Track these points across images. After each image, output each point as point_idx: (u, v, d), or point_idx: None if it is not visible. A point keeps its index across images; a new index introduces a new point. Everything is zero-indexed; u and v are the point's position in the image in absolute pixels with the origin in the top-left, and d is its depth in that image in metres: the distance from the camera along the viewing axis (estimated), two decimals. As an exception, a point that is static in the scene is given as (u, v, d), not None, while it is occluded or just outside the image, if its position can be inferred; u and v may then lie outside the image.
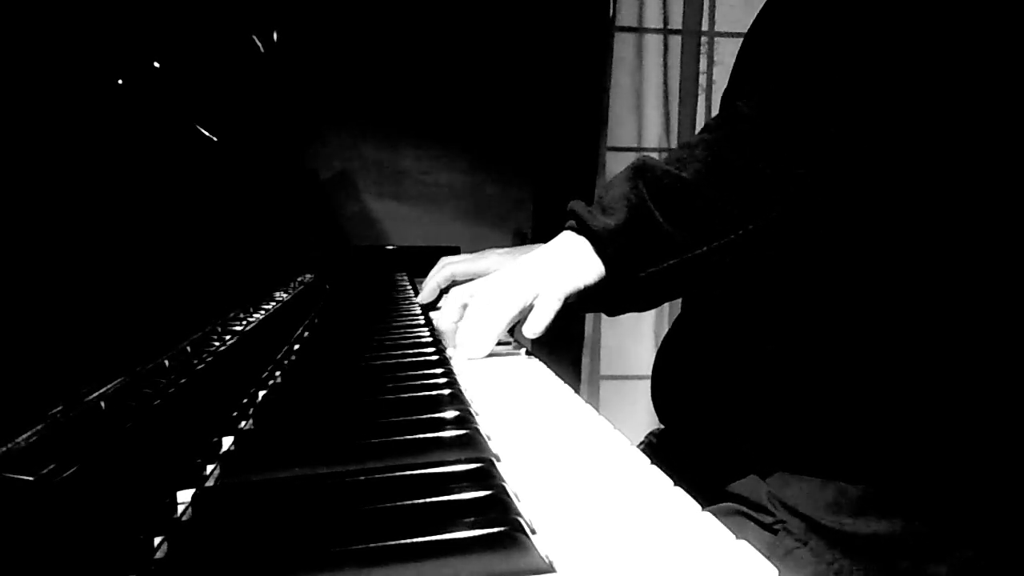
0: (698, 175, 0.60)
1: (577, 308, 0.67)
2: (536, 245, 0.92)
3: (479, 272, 0.87)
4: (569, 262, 0.65)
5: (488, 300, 0.67)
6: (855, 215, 0.61)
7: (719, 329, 0.74)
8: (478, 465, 0.37)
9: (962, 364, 0.63)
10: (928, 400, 0.62)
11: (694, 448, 0.77)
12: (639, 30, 1.91)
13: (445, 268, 0.93)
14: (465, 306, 0.70)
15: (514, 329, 0.78)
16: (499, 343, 0.70)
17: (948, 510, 0.62)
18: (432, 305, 0.95)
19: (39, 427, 0.32)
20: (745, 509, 0.67)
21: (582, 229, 0.65)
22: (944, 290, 0.63)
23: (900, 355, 0.63)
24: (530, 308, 0.66)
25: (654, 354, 0.84)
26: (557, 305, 0.65)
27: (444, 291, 0.94)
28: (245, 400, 0.56)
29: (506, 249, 0.94)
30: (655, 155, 0.84)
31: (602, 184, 1.89)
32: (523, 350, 0.75)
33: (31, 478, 0.28)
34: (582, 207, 0.66)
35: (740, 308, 0.72)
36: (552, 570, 0.29)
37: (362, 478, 0.36)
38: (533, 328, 0.65)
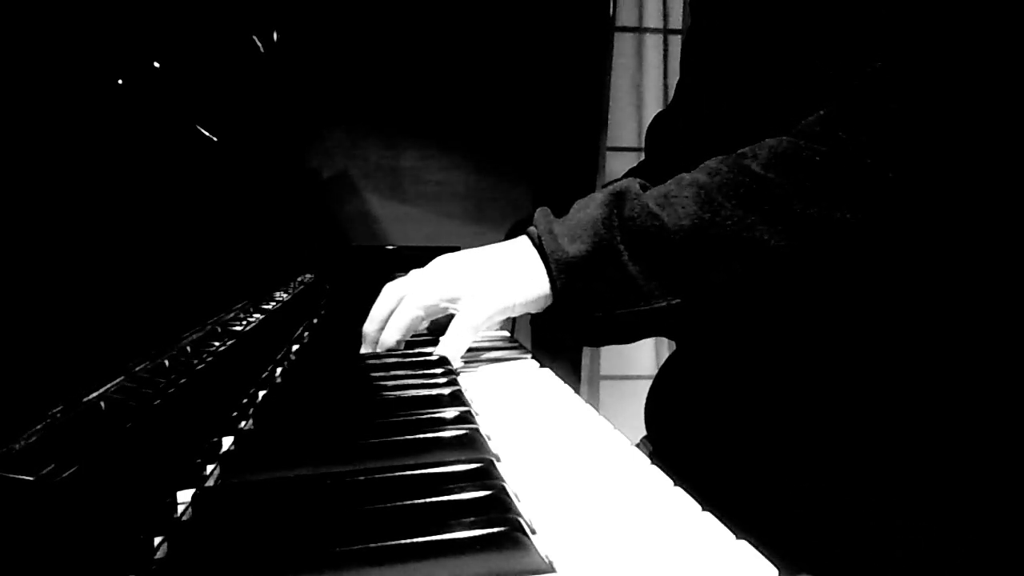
0: (680, 224, 0.55)
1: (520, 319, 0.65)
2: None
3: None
4: (512, 275, 0.60)
5: (409, 295, 0.64)
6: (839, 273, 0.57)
7: (710, 375, 0.72)
8: (478, 465, 0.37)
9: (956, 399, 0.61)
10: (922, 447, 0.61)
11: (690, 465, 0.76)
12: (639, 30, 1.91)
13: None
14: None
15: (514, 329, 0.77)
16: (499, 343, 0.69)
17: (947, 534, 0.61)
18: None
19: (39, 427, 0.32)
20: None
21: (538, 246, 0.60)
22: (941, 329, 0.60)
23: (892, 401, 0.60)
24: (445, 313, 0.62)
25: (654, 353, 0.84)
26: (470, 338, 0.61)
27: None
28: (245, 400, 0.56)
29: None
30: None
31: (602, 184, 1.89)
32: (524, 351, 0.75)
33: (31, 478, 0.28)
34: (545, 221, 0.61)
35: (731, 357, 0.69)
36: (552, 570, 0.29)
37: (362, 478, 0.36)
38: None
